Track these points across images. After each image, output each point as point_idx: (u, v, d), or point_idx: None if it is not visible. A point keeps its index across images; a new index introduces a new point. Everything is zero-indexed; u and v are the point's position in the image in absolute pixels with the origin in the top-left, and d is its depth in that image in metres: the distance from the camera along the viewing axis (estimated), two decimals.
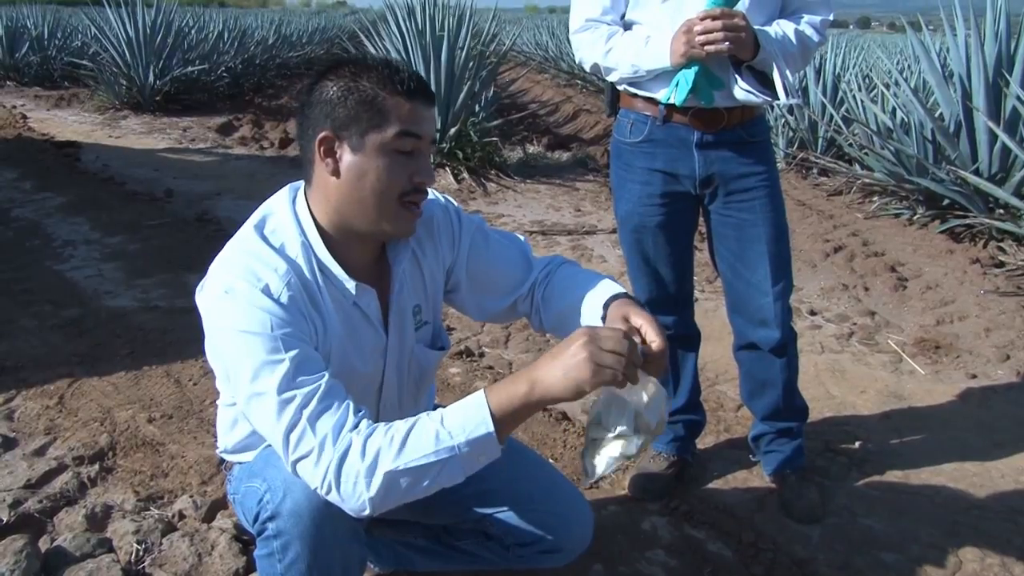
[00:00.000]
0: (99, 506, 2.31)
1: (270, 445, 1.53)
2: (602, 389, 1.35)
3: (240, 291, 1.38)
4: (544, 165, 7.77)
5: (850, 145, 6.60)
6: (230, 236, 1.53)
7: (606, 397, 1.41)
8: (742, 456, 2.70)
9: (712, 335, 3.45)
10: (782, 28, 2.15)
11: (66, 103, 11.43)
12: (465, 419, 1.29)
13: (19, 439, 2.70)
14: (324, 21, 25.82)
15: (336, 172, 1.45)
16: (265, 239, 1.48)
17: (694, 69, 2.10)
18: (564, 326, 1.65)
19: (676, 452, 2.59)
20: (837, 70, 7.67)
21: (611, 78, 2.30)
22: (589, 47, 2.26)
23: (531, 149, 8.29)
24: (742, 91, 2.11)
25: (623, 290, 1.57)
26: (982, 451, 2.79)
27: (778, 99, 2.10)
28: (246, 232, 1.50)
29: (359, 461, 1.28)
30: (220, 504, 2.32)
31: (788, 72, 2.12)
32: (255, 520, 1.51)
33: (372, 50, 8.40)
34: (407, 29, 7.71)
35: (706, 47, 2.02)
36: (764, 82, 2.13)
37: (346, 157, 1.44)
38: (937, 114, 5.67)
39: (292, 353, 1.35)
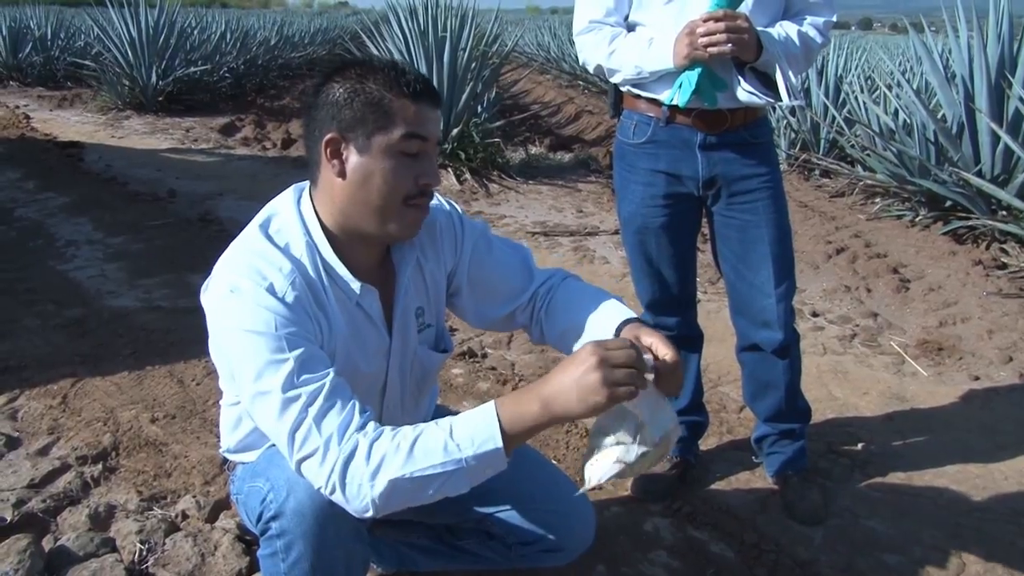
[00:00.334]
0: (102, 506, 2.31)
1: (273, 445, 1.53)
2: None
3: (245, 290, 1.39)
4: (546, 166, 7.77)
5: (852, 146, 6.59)
6: (232, 236, 1.53)
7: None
8: (745, 457, 2.70)
9: (715, 336, 3.45)
10: (785, 30, 2.15)
11: (69, 103, 11.44)
12: (475, 433, 1.29)
13: (23, 439, 2.70)
14: (326, 22, 25.81)
15: (342, 173, 1.46)
16: (270, 238, 1.48)
17: (697, 71, 2.10)
18: (567, 344, 1.64)
19: (679, 453, 2.59)
20: (839, 71, 7.68)
21: (614, 79, 2.30)
22: (593, 48, 2.26)
23: (533, 150, 8.29)
24: (745, 92, 2.11)
25: (632, 315, 1.56)
26: (985, 453, 2.79)
27: (781, 100, 2.10)
28: (251, 232, 1.50)
29: (364, 464, 1.28)
30: (223, 504, 2.32)
31: (791, 74, 2.12)
32: (258, 520, 1.52)
33: (375, 51, 8.41)
34: (409, 30, 7.72)
35: (709, 49, 2.03)
36: (767, 83, 2.13)
37: (352, 158, 1.45)
38: (939, 115, 5.67)
39: (297, 352, 1.35)
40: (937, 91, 5.78)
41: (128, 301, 4.03)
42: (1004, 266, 4.63)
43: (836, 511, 2.45)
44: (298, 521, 1.44)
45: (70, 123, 9.83)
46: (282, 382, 1.33)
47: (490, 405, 1.32)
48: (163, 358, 3.33)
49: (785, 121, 7.55)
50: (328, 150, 1.45)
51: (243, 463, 1.71)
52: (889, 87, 6.54)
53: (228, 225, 5.39)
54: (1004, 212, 4.98)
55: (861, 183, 6.39)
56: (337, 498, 1.32)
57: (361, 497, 1.29)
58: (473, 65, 7.60)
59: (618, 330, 1.52)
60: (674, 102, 2.17)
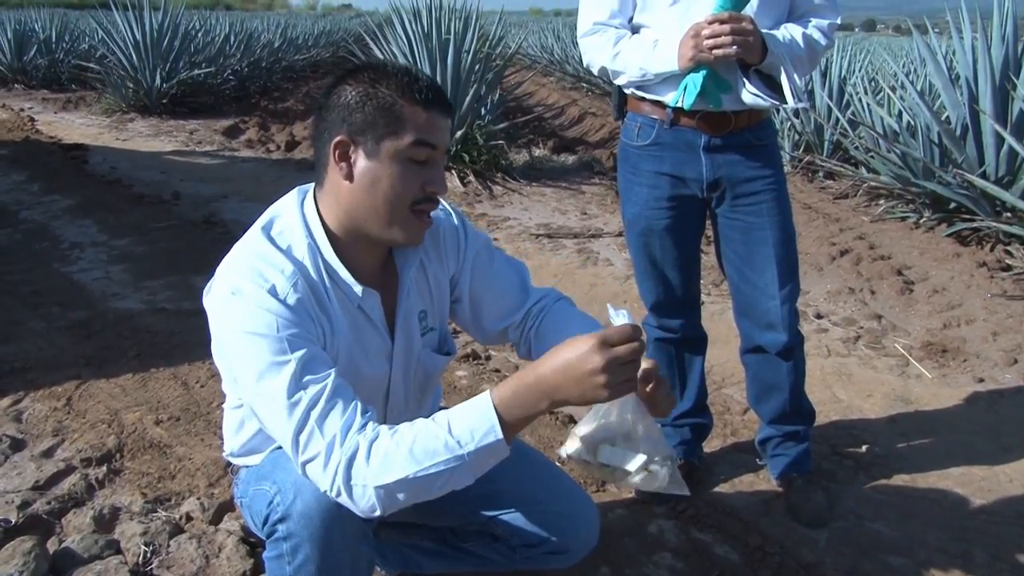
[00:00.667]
0: (107, 508, 2.32)
1: (278, 448, 1.53)
2: None
3: (246, 292, 1.39)
4: (550, 168, 7.77)
5: (856, 148, 6.59)
6: (237, 238, 1.53)
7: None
8: (749, 460, 2.70)
9: (719, 338, 3.44)
10: (790, 32, 2.16)
11: (73, 106, 11.47)
12: (474, 427, 1.29)
13: (27, 441, 2.71)
14: (330, 24, 25.86)
15: (350, 176, 1.46)
16: (272, 240, 1.48)
17: (702, 73, 2.10)
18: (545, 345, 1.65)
19: (683, 455, 2.58)
20: (843, 73, 7.67)
21: (619, 81, 2.30)
22: (597, 50, 2.27)
23: (537, 152, 8.29)
24: (750, 95, 2.11)
25: None
26: (990, 455, 2.78)
27: (786, 103, 2.11)
28: (253, 234, 1.51)
29: (366, 466, 1.28)
30: (227, 506, 2.32)
31: (796, 76, 2.12)
32: (265, 522, 1.52)
33: (379, 53, 8.42)
34: (413, 32, 7.73)
35: (714, 51, 2.03)
36: (772, 86, 2.13)
37: (360, 162, 1.45)
38: (943, 117, 5.66)
39: (298, 354, 1.36)
40: (941, 93, 5.78)
41: (132, 303, 4.03)
42: (1008, 268, 4.62)
43: (840, 513, 2.45)
44: (305, 523, 1.44)
45: (75, 125, 9.85)
46: (284, 384, 1.34)
47: (486, 397, 1.31)
48: (167, 360, 3.33)
49: (789, 123, 7.55)
50: (337, 152, 1.45)
51: (246, 467, 1.71)
52: (893, 89, 6.53)
53: (232, 227, 5.40)
54: (1008, 214, 4.97)
55: (865, 185, 6.39)
56: (343, 500, 1.32)
57: (367, 498, 1.30)
58: (477, 67, 7.61)
59: None
60: (679, 104, 2.17)
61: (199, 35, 12.26)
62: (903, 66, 7.91)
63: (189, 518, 2.29)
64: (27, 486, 2.41)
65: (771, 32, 2.12)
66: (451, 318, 1.81)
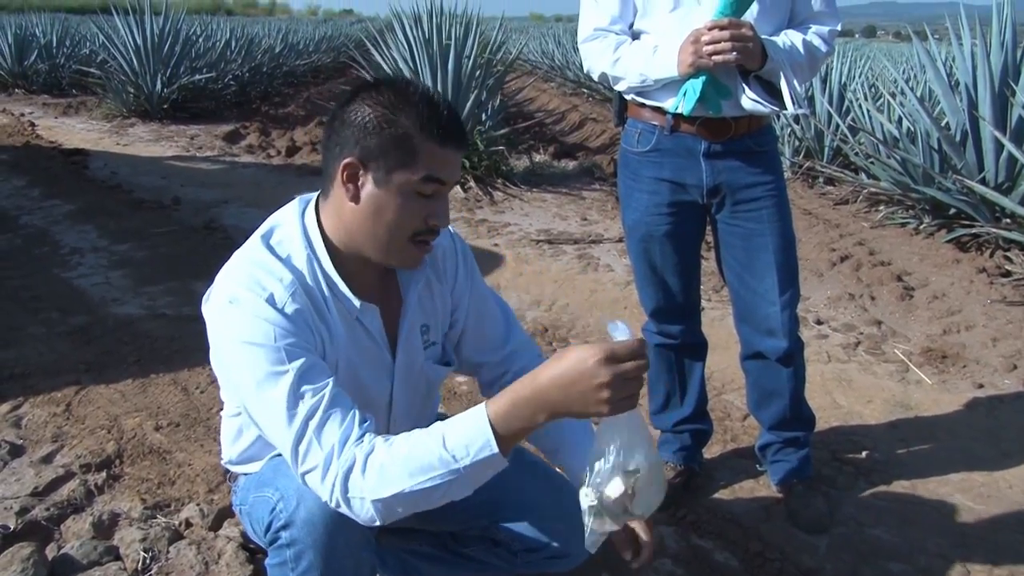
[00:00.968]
0: (106, 514, 2.31)
1: (278, 455, 1.53)
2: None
3: (244, 301, 1.39)
4: (550, 174, 7.77)
5: (856, 154, 6.59)
6: (237, 244, 1.53)
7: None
8: (749, 466, 2.70)
9: (719, 344, 3.44)
10: (790, 38, 2.16)
11: (74, 111, 11.48)
12: (469, 441, 1.27)
13: (26, 446, 2.71)
14: (331, 30, 25.92)
15: (355, 199, 1.45)
16: (271, 249, 1.48)
17: (702, 79, 2.10)
18: (538, 439, 1.69)
19: (683, 461, 2.58)
20: (843, 79, 7.67)
21: (619, 87, 2.31)
22: (597, 56, 2.27)
23: (537, 158, 8.29)
24: (750, 101, 2.11)
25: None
26: (989, 461, 2.78)
27: (786, 109, 2.11)
28: (253, 242, 1.51)
29: (362, 479, 1.29)
30: (227, 512, 2.32)
31: (796, 82, 2.12)
32: (267, 530, 1.52)
33: (379, 59, 8.43)
34: (414, 38, 7.75)
35: (714, 57, 2.03)
36: (771, 92, 2.14)
37: (368, 187, 1.44)
38: (943, 123, 5.66)
39: (296, 364, 1.36)
40: (941, 99, 5.78)
41: (132, 309, 4.03)
42: (1008, 274, 4.62)
43: (840, 519, 2.45)
44: (309, 530, 1.44)
45: (75, 130, 9.86)
46: (283, 394, 1.34)
47: (481, 411, 1.29)
48: (167, 366, 3.33)
49: (789, 129, 7.55)
50: (345, 173, 1.44)
51: (245, 474, 1.71)
52: (893, 95, 6.53)
53: (233, 233, 5.40)
54: (1008, 220, 4.97)
55: (865, 191, 6.39)
56: (344, 511, 1.32)
57: (365, 511, 1.31)
58: (477, 73, 7.62)
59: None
60: (678, 110, 2.17)
61: (200, 40, 12.26)
62: (903, 72, 7.91)
63: (188, 524, 2.29)
64: (26, 492, 2.40)
65: (771, 38, 2.13)
66: None
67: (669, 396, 2.59)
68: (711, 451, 2.78)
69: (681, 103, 2.15)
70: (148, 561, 2.11)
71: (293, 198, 1.59)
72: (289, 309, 1.40)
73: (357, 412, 1.36)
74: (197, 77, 11.07)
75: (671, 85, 2.18)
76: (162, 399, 3.05)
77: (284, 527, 1.47)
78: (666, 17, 2.17)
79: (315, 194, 1.56)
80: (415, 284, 1.63)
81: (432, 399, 1.84)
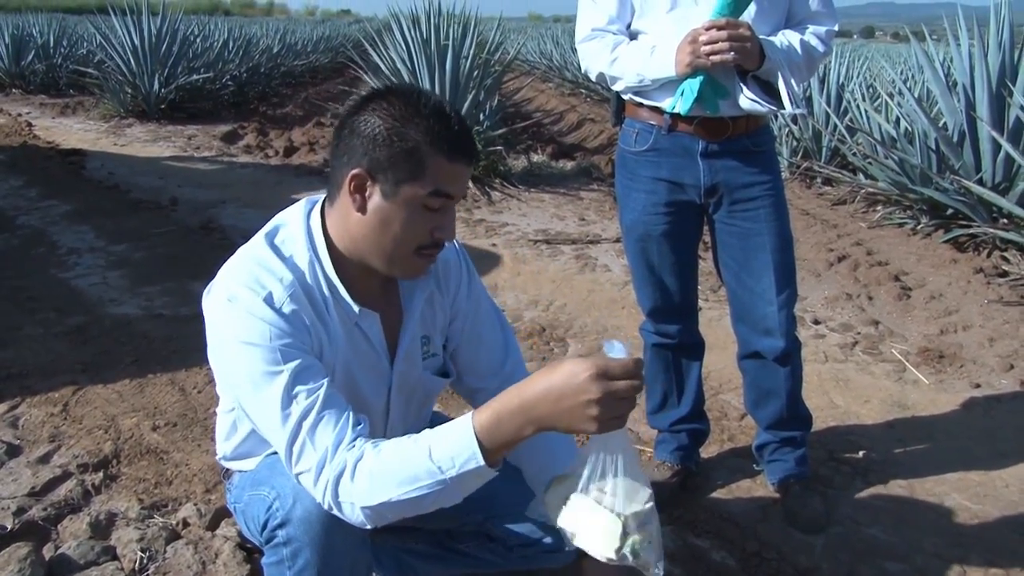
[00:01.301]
0: (103, 514, 2.31)
1: (272, 453, 1.54)
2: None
3: (242, 299, 1.39)
4: (548, 174, 7.77)
5: (854, 155, 6.60)
6: (235, 245, 1.53)
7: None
8: (746, 465, 2.70)
9: (716, 344, 3.45)
10: (787, 38, 2.16)
11: (71, 111, 11.47)
12: (455, 453, 1.26)
13: (23, 446, 2.70)
14: (329, 30, 25.91)
15: (362, 209, 1.44)
16: (275, 248, 1.49)
17: (699, 79, 2.11)
18: (521, 457, 1.68)
19: (680, 461, 2.58)
20: (841, 80, 7.68)
21: (616, 87, 2.31)
22: (595, 56, 2.27)
23: (535, 158, 8.29)
24: (747, 100, 2.11)
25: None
26: (986, 461, 2.78)
27: (783, 109, 2.11)
28: (256, 240, 1.51)
29: (352, 485, 1.29)
30: (224, 512, 2.32)
31: (793, 82, 2.13)
32: (264, 528, 1.52)
33: (377, 59, 8.42)
34: (412, 38, 7.74)
35: (712, 57, 2.03)
36: (769, 92, 2.14)
37: (375, 199, 1.43)
38: (941, 124, 5.67)
39: (291, 364, 1.36)
40: (938, 99, 5.79)
41: (130, 309, 4.03)
42: (1005, 274, 4.63)
43: (837, 519, 2.45)
44: (305, 528, 1.44)
45: (72, 131, 9.85)
46: (277, 394, 1.34)
47: (467, 422, 1.27)
48: (164, 366, 3.33)
49: (787, 129, 7.56)
50: (353, 184, 1.43)
51: (240, 471, 1.71)
52: (891, 95, 6.54)
53: (230, 233, 5.40)
54: (1005, 220, 4.98)
55: (863, 191, 6.39)
56: (336, 513, 1.33)
57: (356, 515, 1.32)
58: (475, 73, 7.62)
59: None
60: (676, 110, 2.17)
61: (198, 40, 12.26)
62: (901, 73, 7.92)
63: (186, 524, 2.29)
64: (23, 492, 2.40)
65: (769, 38, 2.13)
66: None
67: (666, 396, 2.60)
68: (708, 451, 2.78)
69: (679, 103, 2.16)
70: (145, 561, 2.10)
71: (290, 198, 1.59)
72: (287, 309, 1.40)
73: (351, 414, 1.36)
74: (195, 77, 11.07)
75: (669, 85, 2.18)
76: (159, 399, 3.05)
77: (280, 525, 1.47)
78: (663, 17, 2.18)
79: (323, 196, 1.56)
80: (418, 295, 1.62)
81: (429, 406, 1.84)
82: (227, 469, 1.78)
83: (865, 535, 2.38)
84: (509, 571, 1.89)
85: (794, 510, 2.43)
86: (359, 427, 1.35)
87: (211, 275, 1.49)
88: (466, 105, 7.29)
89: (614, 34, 2.26)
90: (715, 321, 3.92)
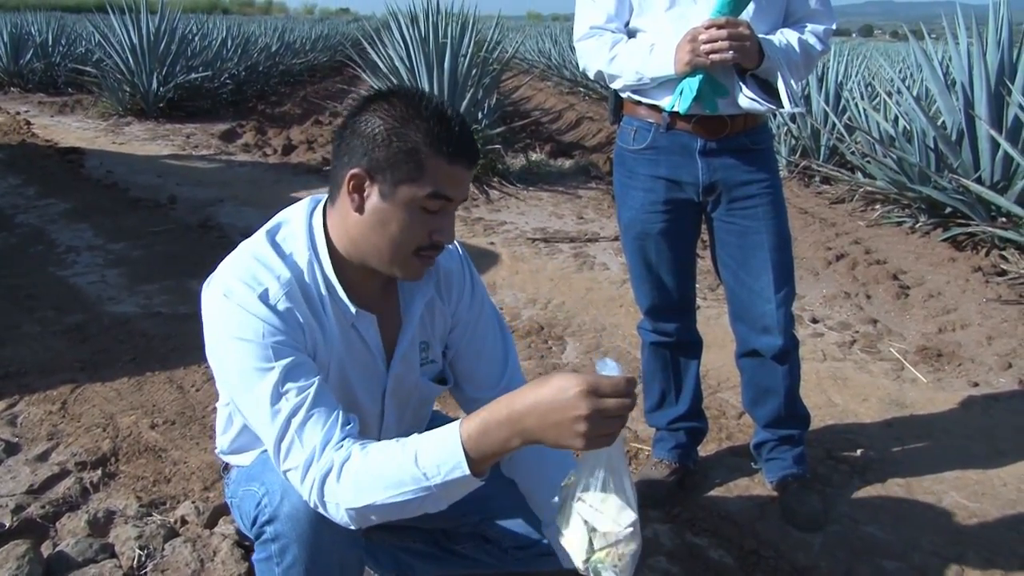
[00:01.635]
0: (101, 511, 2.31)
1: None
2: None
3: (237, 294, 1.40)
4: (547, 172, 7.78)
5: (852, 153, 6.60)
6: (233, 243, 1.54)
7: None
8: (744, 463, 2.70)
9: (714, 342, 3.45)
10: (786, 37, 2.16)
11: (70, 109, 11.46)
12: (440, 461, 1.25)
13: (22, 444, 2.70)
14: (327, 28, 25.90)
15: (360, 209, 1.44)
16: (275, 245, 1.49)
17: (698, 77, 2.11)
18: (515, 471, 1.69)
19: (678, 459, 2.59)
20: (840, 78, 7.68)
21: (615, 85, 2.31)
22: (593, 54, 2.27)
23: (534, 156, 8.29)
24: (746, 99, 2.11)
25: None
26: (984, 459, 2.79)
27: (782, 107, 2.11)
28: (258, 236, 1.51)
29: (337, 486, 1.29)
30: (222, 510, 2.32)
31: (792, 80, 2.13)
32: (253, 523, 1.52)
33: (375, 58, 8.42)
34: (410, 36, 7.74)
35: (711, 55, 2.03)
36: (768, 90, 2.14)
37: (374, 199, 1.43)
38: (939, 122, 5.68)
39: (283, 361, 1.36)
40: (937, 98, 5.79)
41: (128, 307, 4.03)
42: (1003, 272, 4.63)
43: (835, 517, 2.45)
44: (293, 525, 1.44)
45: (71, 129, 9.85)
46: (267, 391, 1.35)
47: (454, 431, 1.26)
48: (163, 364, 3.33)
49: (785, 128, 7.56)
50: (351, 183, 1.43)
51: (238, 466, 1.71)
52: (889, 94, 6.54)
53: (229, 231, 5.40)
54: (1003, 219, 4.98)
55: (861, 190, 6.40)
56: (322, 512, 1.34)
57: (340, 515, 1.32)
58: (474, 72, 7.62)
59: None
60: (675, 108, 2.17)
61: (196, 39, 12.26)
62: (899, 71, 7.93)
63: (184, 522, 2.29)
64: (21, 490, 2.40)
65: (767, 37, 2.13)
66: None
67: (664, 394, 2.60)
68: (706, 449, 2.78)
69: (678, 101, 2.16)
70: (143, 559, 2.11)
71: (289, 196, 1.59)
72: (282, 307, 1.40)
73: (341, 413, 1.36)
74: (193, 76, 11.07)
75: (667, 83, 2.18)
76: (157, 397, 3.05)
77: (269, 521, 1.47)
78: (662, 15, 2.18)
79: (326, 196, 1.56)
80: (418, 300, 1.62)
81: (425, 411, 1.84)
82: (226, 464, 1.78)
83: (863, 533, 2.38)
84: (505, 573, 1.89)
85: (792, 508, 2.43)
86: (348, 427, 1.35)
87: (209, 273, 1.49)
88: (464, 103, 7.29)
89: (613, 32, 2.26)
90: (713, 319, 3.92)
